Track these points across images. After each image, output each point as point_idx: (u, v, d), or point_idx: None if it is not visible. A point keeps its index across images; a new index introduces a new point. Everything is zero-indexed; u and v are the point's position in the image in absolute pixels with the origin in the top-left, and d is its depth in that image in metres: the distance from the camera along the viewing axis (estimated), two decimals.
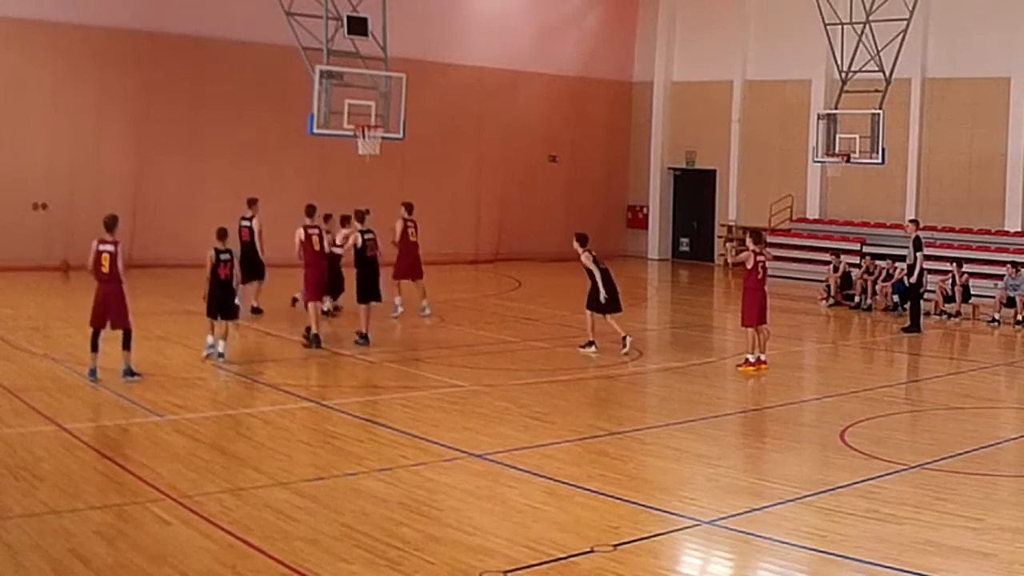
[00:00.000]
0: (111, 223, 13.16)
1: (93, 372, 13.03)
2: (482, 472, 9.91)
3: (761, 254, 15.79)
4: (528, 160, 32.01)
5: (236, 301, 14.87)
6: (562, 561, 7.59)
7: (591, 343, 16.45)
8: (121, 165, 24.96)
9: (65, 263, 24.07)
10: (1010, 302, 21.47)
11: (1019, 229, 26.48)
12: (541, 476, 9.73)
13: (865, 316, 22.68)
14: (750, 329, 15.68)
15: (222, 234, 14.72)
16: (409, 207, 19.32)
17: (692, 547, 8.33)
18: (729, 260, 15.88)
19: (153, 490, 8.88)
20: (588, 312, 16.50)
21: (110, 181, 24.89)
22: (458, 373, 14.96)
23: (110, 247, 13.02)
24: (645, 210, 34.92)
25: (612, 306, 16.42)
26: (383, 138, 20.38)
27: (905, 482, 9.88)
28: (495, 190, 31.14)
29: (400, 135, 20.93)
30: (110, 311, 13.05)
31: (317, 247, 16.40)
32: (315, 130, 19.93)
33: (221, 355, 14.80)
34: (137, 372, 13.17)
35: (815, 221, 30.42)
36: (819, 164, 27.70)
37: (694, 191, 34.05)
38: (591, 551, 7.77)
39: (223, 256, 14.57)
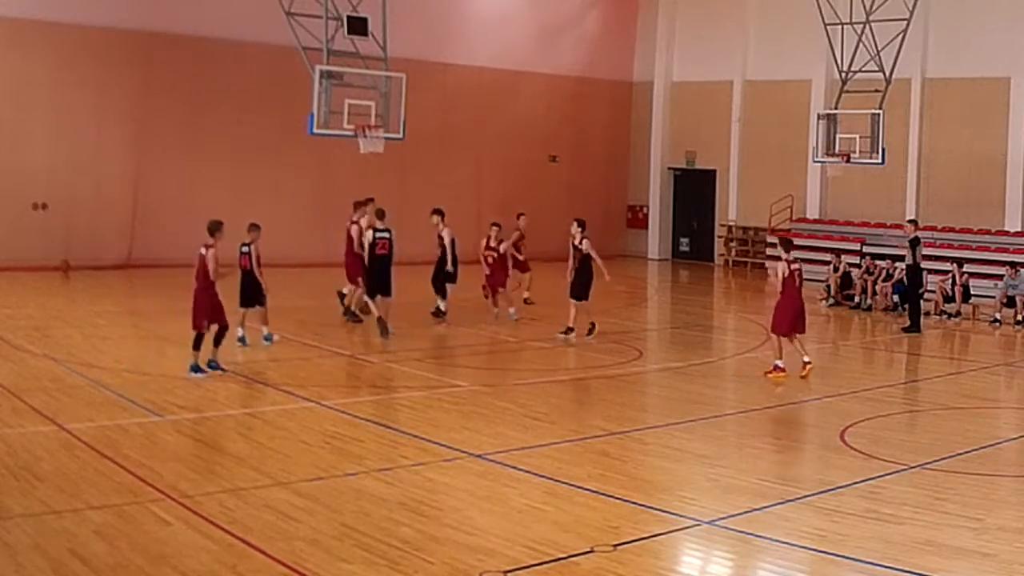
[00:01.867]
0: (212, 228, 14.03)
1: (196, 367, 13.69)
2: (482, 472, 9.91)
3: (794, 261, 15.08)
4: (528, 160, 32.00)
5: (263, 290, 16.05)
6: (562, 561, 7.59)
7: (570, 329, 17.32)
8: (121, 165, 24.97)
9: (65, 263, 24.08)
10: (1010, 302, 21.46)
11: (1019, 229, 26.48)
12: (541, 476, 9.72)
13: (865, 316, 22.68)
14: (782, 336, 15.05)
15: (251, 227, 16.12)
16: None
17: (692, 547, 8.33)
18: (779, 288, 15.07)
19: (153, 490, 8.87)
20: (573, 301, 17.41)
21: (110, 181, 24.92)
22: (458, 373, 14.97)
23: (202, 250, 13.85)
24: (645, 210, 34.93)
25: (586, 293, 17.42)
26: (385, 138, 20.39)
27: (905, 482, 9.87)
28: (495, 190, 31.14)
29: (400, 135, 20.93)
30: (211, 311, 13.85)
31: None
32: (315, 130, 19.93)
33: (268, 338, 16.18)
34: (223, 368, 13.86)
35: (815, 221, 30.42)
36: (819, 164, 27.70)
37: (694, 191, 34.06)
38: (591, 551, 7.77)
39: (243, 248, 15.81)
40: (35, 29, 23.72)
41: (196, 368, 13.66)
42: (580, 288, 17.39)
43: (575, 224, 17.67)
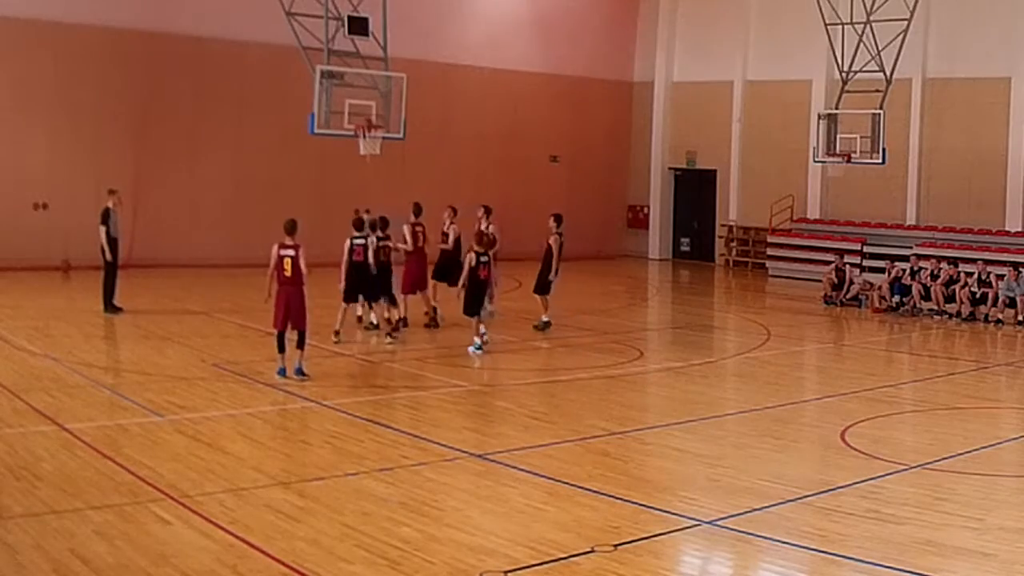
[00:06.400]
0: (291, 227, 13.62)
1: (282, 371, 13.54)
2: (482, 472, 9.91)
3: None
4: (528, 160, 32.01)
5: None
6: (563, 561, 7.59)
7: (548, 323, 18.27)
8: (121, 165, 24.95)
9: (65, 263, 24.08)
10: (1011, 302, 21.45)
11: (1019, 229, 26.49)
12: (542, 476, 9.72)
13: (865, 316, 22.67)
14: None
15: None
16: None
17: (693, 547, 8.33)
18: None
19: (153, 490, 8.87)
20: (540, 296, 18.32)
21: (110, 181, 24.78)
22: (458, 373, 14.97)
23: (291, 251, 13.43)
24: (646, 210, 34.94)
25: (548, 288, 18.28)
26: (383, 138, 20.40)
27: (905, 482, 9.87)
28: (495, 190, 31.11)
29: (400, 135, 20.94)
30: (291, 313, 13.47)
31: (420, 243, 17.98)
32: (315, 130, 19.94)
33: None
34: (307, 373, 13.56)
35: (816, 221, 30.43)
36: (820, 164, 27.70)
37: (695, 191, 34.06)
38: (592, 551, 7.77)
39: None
40: (35, 29, 23.72)
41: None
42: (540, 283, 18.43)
43: (551, 219, 18.50)
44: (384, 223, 17.12)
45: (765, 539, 8.18)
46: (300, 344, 13.59)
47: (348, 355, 15.80)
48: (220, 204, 26.49)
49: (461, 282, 16.24)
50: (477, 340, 16.15)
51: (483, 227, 18.29)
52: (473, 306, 16.17)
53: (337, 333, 16.33)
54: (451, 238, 18.72)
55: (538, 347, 17.27)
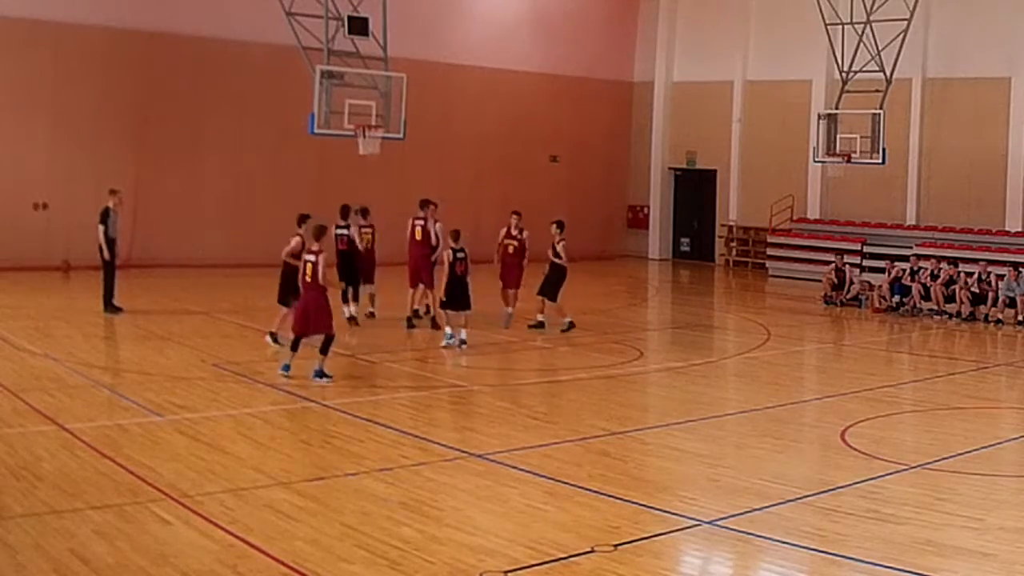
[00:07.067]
0: (318, 233, 13.61)
1: (286, 367, 13.56)
2: (482, 472, 9.91)
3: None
4: (528, 160, 32.00)
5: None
6: (562, 561, 7.59)
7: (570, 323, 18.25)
8: (121, 165, 24.94)
9: (65, 263, 24.08)
10: (1011, 302, 21.45)
11: (1019, 229, 26.49)
12: (542, 476, 9.72)
13: (865, 316, 22.67)
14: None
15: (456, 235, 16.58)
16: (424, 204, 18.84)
17: (693, 547, 8.33)
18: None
19: (153, 490, 8.87)
20: (543, 299, 18.29)
21: (110, 181, 24.77)
22: (458, 373, 14.96)
23: (313, 256, 13.37)
24: (646, 210, 34.95)
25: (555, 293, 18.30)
26: (383, 138, 20.41)
27: (905, 482, 9.87)
28: (495, 190, 31.14)
29: (400, 135, 20.94)
30: (311, 317, 13.44)
31: (419, 237, 18.16)
32: (315, 130, 19.95)
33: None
34: (329, 374, 13.51)
35: (816, 221, 30.44)
36: (820, 164, 27.72)
37: (695, 191, 34.07)
38: (592, 551, 7.77)
39: (459, 255, 16.24)
40: (35, 29, 23.72)
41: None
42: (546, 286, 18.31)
43: (554, 225, 18.40)
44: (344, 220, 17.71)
45: (765, 539, 8.18)
46: (324, 349, 13.50)
47: (348, 355, 15.79)
48: (220, 204, 26.50)
49: (444, 276, 16.56)
50: (463, 332, 16.30)
51: (517, 234, 18.41)
52: (453, 302, 16.36)
53: (272, 335, 15.85)
54: (433, 235, 18.62)
55: (538, 347, 17.27)
